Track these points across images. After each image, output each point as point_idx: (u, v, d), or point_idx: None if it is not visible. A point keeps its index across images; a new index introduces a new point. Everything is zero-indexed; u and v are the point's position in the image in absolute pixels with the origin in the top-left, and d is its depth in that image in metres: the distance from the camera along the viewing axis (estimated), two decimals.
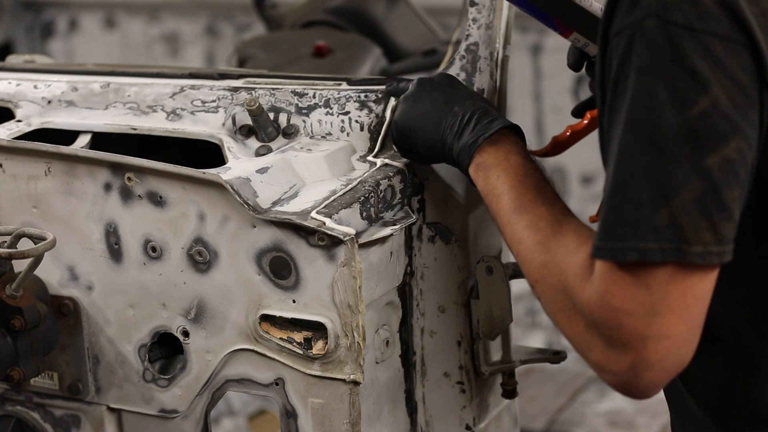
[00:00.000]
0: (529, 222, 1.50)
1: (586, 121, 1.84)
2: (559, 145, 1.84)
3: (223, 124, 1.92)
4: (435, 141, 1.70)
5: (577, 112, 1.87)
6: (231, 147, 1.87)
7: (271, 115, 1.91)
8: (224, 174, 1.72)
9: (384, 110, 1.85)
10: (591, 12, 1.69)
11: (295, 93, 1.92)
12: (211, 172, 1.72)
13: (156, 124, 1.96)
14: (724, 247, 1.32)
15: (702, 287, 1.33)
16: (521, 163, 1.59)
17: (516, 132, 1.66)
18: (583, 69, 1.79)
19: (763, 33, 1.33)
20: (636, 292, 1.32)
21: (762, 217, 1.40)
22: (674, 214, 1.30)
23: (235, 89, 1.95)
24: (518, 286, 1.94)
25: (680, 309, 1.32)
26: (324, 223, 1.64)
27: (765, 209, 1.40)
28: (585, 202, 4.68)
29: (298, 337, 1.70)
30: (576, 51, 1.76)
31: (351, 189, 1.73)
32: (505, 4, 1.84)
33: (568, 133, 1.84)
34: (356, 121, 1.87)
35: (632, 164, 1.32)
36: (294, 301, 1.69)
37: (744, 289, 1.44)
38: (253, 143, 1.89)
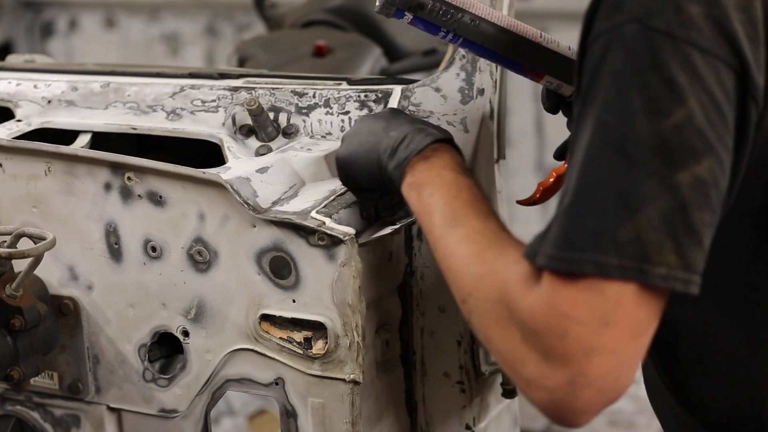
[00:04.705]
0: (463, 235, 1.42)
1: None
2: (547, 191, 1.78)
3: (223, 124, 1.92)
4: (373, 167, 1.61)
5: (559, 155, 1.80)
6: (231, 147, 1.87)
7: (271, 115, 1.91)
8: (224, 174, 1.72)
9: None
10: (559, 52, 1.66)
11: (295, 93, 1.92)
12: (211, 172, 1.72)
13: (156, 123, 1.96)
14: (691, 276, 1.24)
15: (655, 308, 1.25)
16: (455, 179, 1.51)
17: (451, 145, 1.59)
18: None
19: (751, 43, 1.26)
20: (588, 297, 1.23)
21: (755, 243, 1.35)
22: (639, 230, 1.22)
23: (235, 89, 1.95)
24: None
25: (631, 324, 1.24)
26: (324, 223, 1.64)
27: (759, 235, 1.35)
28: None
29: (298, 336, 1.70)
30: (551, 94, 1.71)
31: None
32: (506, 3, 1.83)
33: (551, 180, 1.77)
34: None
35: (599, 171, 1.25)
36: (294, 301, 1.69)
37: (741, 314, 1.40)
38: (253, 143, 1.89)
